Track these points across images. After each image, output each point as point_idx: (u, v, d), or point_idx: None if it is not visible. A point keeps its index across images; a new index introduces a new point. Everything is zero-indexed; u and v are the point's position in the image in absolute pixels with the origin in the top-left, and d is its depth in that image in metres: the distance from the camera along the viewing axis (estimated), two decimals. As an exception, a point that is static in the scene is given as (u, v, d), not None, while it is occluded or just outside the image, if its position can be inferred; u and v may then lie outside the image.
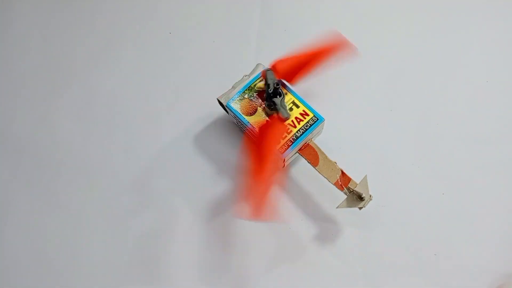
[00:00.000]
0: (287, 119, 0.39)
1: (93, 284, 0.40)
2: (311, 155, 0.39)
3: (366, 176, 0.37)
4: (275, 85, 0.38)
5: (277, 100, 0.38)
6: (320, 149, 0.39)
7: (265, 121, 0.39)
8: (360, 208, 0.37)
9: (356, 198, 0.37)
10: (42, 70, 0.51)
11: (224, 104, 0.41)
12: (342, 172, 0.38)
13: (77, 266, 0.40)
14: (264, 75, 0.39)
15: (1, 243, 0.42)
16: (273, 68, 0.39)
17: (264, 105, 0.40)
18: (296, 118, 0.39)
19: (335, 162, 0.39)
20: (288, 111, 0.39)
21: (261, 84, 0.41)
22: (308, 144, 0.40)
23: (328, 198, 0.42)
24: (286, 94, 0.40)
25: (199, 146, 0.45)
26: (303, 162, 0.41)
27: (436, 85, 0.47)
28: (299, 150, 0.40)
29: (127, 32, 0.53)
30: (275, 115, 0.39)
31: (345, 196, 0.38)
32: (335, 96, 0.43)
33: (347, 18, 0.52)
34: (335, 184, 0.38)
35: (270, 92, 0.38)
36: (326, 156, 0.39)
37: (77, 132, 0.47)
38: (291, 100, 0.40)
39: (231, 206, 0.42)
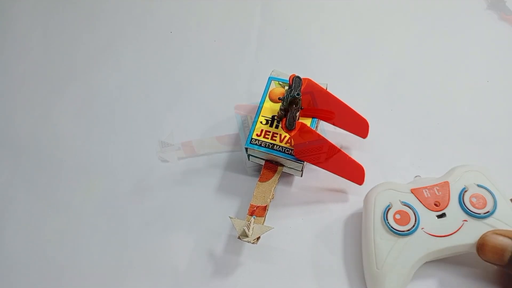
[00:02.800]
0: (289, 132, 0.37)
1: (93, 284, 0.40)
2: (268, 173, 0.39)
3: (271, 228, 0.36)
4: (296, 94, 0.36)
5: (292, 108, 0.37)
6: (277, 179, 0.39)
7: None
8: (239, 238, 0.36)
9: (245, 230, 0.36)
10: (42, 69, 0.51)
11: (272, 73, 0.41)
12: (265, 208, 0.38)
13: (77, 266, 0.40)
14: (292, 80, 0.38)
15: (1, 243, 0.42)
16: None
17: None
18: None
19: (273, 198, 0.39)
20: (294, 125, 0.37)
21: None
22: (276, 166, 0.40)
23: (328, 198, 0.42)
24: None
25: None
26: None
27: (436, 85, 0.47)
28: (266, 160, 0.40)
29: (127, 32, 0.53)
30: (284, 119, 0.38)
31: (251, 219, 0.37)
32: (335, 95, 0.43)
33: (347, 17, 0.52)
34: (251, 204, 0.38)
35: (289, 98, 0.37)
36: (273, 186, 0.39)
37: (77, 132, 0.47)
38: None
39: (231, 204, 0.42)
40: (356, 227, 0.40)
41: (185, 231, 0.41)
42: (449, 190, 0.35)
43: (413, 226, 0.34)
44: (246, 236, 0.35)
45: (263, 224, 0.37)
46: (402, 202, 0.35)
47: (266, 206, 0.38)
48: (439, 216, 0.34)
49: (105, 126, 0.47)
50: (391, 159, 0.43)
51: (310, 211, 0.41)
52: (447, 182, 0.36)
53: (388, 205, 0.35)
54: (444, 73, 0.48)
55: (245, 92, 0.48)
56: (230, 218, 0.37)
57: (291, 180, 0.43)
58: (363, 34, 0.51)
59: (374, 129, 0.45)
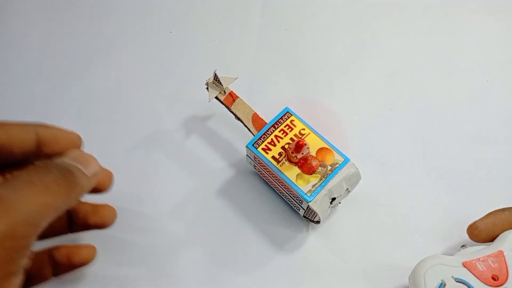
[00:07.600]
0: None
1: (93, 284, 0.40)
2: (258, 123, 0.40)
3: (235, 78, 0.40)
4: None
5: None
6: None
7: None
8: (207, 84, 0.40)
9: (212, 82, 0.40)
10: (41, 69, 0.51)
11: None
12: (231, 102, 0.41)
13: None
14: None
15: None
16: None
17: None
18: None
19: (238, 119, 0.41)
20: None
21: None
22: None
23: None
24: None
25: (199, 145, 0.45)
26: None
27: (436, 85, 0.47)
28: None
29: (126, 32, 0.53)
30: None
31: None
32: (335, 95, 0.43)
33: (347, 17, 0.52)
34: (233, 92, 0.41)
35: None
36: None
37: (77, 131, 0.47)
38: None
39: (232, 201, 0.42)
40: (355, 226, 0.40)
41: (186, 227, 0.41)
42: (505, 261, 0.31)
43: None
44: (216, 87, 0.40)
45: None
46: (455, 278, 0.31)
47: (235, 100, 0.41)
48: None
49: (105, 126, 0.47)
50: (391, 159, 0.43)
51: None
52: (501, 251, 0.31)
53: (441, 284, 0.31)
54: (444, 73, 0.48)
55: (244, 92, 0.48)
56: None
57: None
58: (362, 34, 0.51)
59: (374, 129, 0.45)
